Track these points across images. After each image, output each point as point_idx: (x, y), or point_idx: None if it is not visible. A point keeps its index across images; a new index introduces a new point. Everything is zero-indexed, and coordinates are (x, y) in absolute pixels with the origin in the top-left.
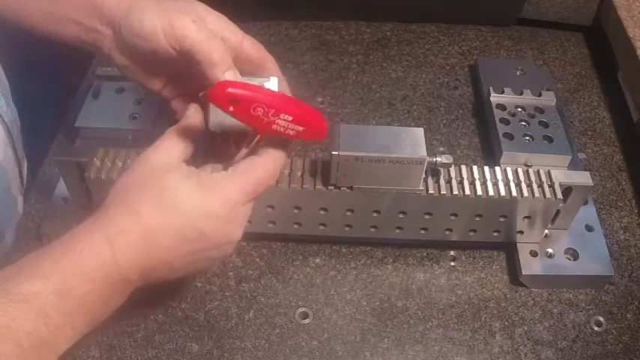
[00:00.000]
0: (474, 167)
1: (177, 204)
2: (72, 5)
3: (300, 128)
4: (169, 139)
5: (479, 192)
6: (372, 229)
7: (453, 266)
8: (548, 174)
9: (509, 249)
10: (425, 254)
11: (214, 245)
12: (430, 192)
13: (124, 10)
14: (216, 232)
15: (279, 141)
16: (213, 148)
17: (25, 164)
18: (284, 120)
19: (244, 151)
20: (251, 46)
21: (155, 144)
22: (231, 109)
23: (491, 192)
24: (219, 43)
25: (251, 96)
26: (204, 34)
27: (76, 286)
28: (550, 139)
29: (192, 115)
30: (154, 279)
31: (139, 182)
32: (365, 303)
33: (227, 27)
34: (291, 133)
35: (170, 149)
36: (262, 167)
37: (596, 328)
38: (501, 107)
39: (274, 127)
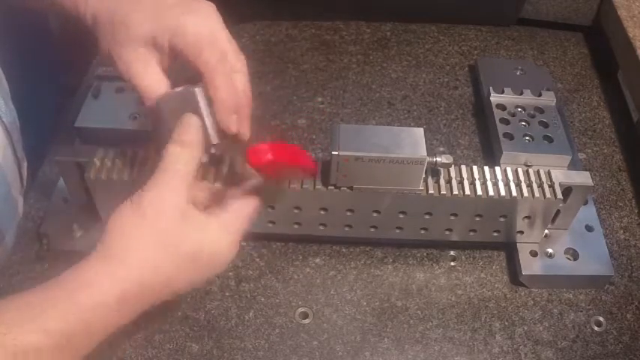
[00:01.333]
0: (474, 167)
1: (194, 259)
2: None
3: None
4: (182, 181)
5: (479, 192)
6: (372, 229)
7: (453, 266)
8: (548, 174)
9: (509, 249)
10: (425, 254)
11: (215, 272)
12: (430, 192)
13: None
14: (219, 270)
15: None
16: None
17: (24, 165)
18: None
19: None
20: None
21: (168, 184)
22: (267, 171)
23: (491, 192)
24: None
25: (285, 160)
26: (142, 67)
27: (79, 341)
28: (550, 139)
29: (197, 154)
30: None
31: (155, 235)
32: (365, 303)
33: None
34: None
35: (181, 190)
36: (253, 201)
37: (596, 328)
38: (501, 107)
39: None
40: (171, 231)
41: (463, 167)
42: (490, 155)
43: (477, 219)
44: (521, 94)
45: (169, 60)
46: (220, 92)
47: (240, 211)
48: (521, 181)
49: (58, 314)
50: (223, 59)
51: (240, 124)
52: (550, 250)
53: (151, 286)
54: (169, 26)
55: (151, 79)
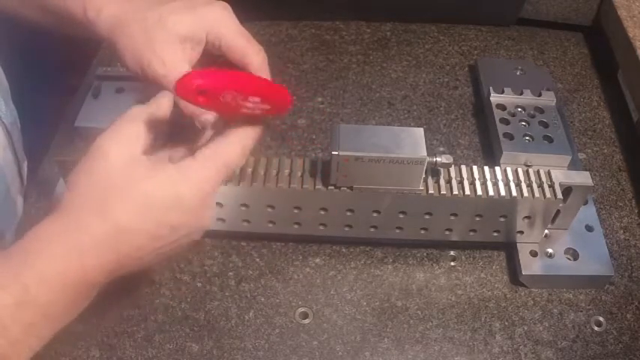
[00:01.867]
0: (474, 167)
1: (147, 204)
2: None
3: (267, 107)
4: (130, 127)
5: (479, 192)
6: (372, 229)
7: (453, 266)
8: (548, 174)
9: (509, 249)
10: (425, 254)
11: (185, 235)
12: (430, 192)
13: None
14: (188, 223)
15: (245, 119)
16: (173, 130)
17: (25, 165)
18: (252, 102)
19: (209, 133)
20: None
21: (113, 133)
22: (201, 100)
23: (491, 192)
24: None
25: (221, 84)
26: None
27: (37, 297)
28: (550, 139)
29: (161, 102)
30: (121, 274)
31: (103, 182)
32: (365, 303)
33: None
34: (258, 112)
35: (132, 140)
36: (231, 149)
37: (596, 328)
38: (501, 107)
39: (243, 110)
40: (118, 175)
41: (463, 167)
42: (490, 155)
43: (477, 219)
44: (521, 94)
45: (199, 55)
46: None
47: (208, 155)
48: (521, 181)
49: (14, 274)
50: (262, 50)
51: None
52: (550, 250)
53: (102, 237)
54: (206, 22)
55: None
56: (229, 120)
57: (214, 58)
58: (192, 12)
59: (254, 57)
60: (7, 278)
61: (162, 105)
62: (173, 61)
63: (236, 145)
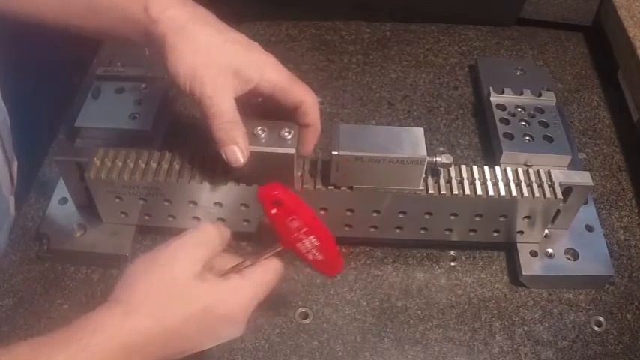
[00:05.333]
0: (474, 167)
1: (204, 318)
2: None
3: (320, 257)
4: (200, 249)
5: (479, 192)
6: (372, 229)
7: (453, 266)
8: (548, 174)
9: (509, 249)
10: (425, 254)
11: (224, 335)
12: (430, 192)
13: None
14: (231, 334)
15: (279, 253)
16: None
17: (15, 164)
18: (310, 243)
19: (256, 256)
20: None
21: (184, 247)
22: (273, 211)
23: (491, 192)
24: (228, 103)
25: (296, 207)
26: (219, 92)
27: None
28: (550, 139)
29: (224, 231)
30: None
31: (165, 290)
32: (365, 303)
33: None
34: (310, 257)
35: (199, 259)
36: (273, 273)
37: (596, 328)
38: (501, 107)
39: (299, 245)
40: (181, 287)
41: (463, 167)
42: (490, 155)
43: (477, 219)
44: (521, 94)
45: (243, 93)
46: (317, 122)
47: (254, 279)
48: (521, 181)
49: (65, 355)
50: (309, 97)
51: (310, 144)
52: (550, 250)
53: (153, 338)
54: (259, 66)
55: (229, 105)
56: (284, 245)
57: (253, 103)
58: (251, 51)
59: (308, 97)
60: None
61: (225, 233)
62: (223, 87)
63: (274, 272)
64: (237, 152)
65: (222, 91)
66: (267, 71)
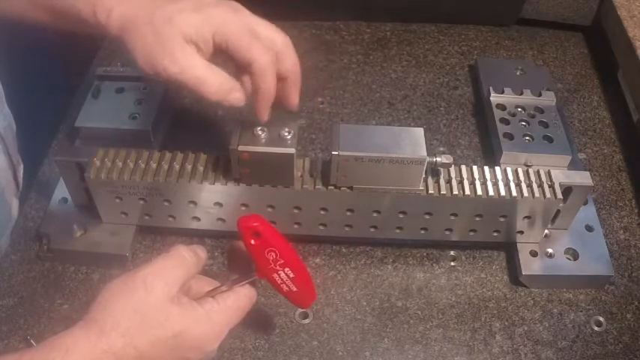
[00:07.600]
0: (474, 167)
1: (175, 343)
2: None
3: (294, 289)
4: (176, 272)
5: (479, 192)
6: (372, 229)
7: (453, 266)
8: (548, 174)
9: (509, 249)
10: (425, 254)
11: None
12: (430, 192)
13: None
14: (201, 358)
15: (254, 282)
16: None
17: (20, 169)
18: (286, 274)
19: (232, 282)
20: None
21: (160, 271)
22: (252, 242)
23: (491, 192)
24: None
25: (274, 240)
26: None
27: None
28: (550, 139)
29: (199, 252)
30: None
31: (140, 313)
32: (365, 303)
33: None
34: (284, 288)
35: (175, 282)
36: (247, 300)
37: (596, 328)
38: (501, 107)
39: (274, 275)
40: (156, 310)
41: (463, 167)
42: (490, 155)
43: (477, 219)
44: (521, 94)
45: (208, 55)
46: (267, 85)
47: (229, 305)
48: (521, 181)
49: None
50: (269, 49)
51: (293, 95)
52: (550, 250)
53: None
54: (213, 23)
55: (205, 69)
56: (260, 275)
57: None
58: (200, 12)
59: (258, 57)
60: None
61: (201, 255)
62: (185, 58)
63: (248, 299)
64: (237, 96)
65: (187, 62)
66: (220, 27)
